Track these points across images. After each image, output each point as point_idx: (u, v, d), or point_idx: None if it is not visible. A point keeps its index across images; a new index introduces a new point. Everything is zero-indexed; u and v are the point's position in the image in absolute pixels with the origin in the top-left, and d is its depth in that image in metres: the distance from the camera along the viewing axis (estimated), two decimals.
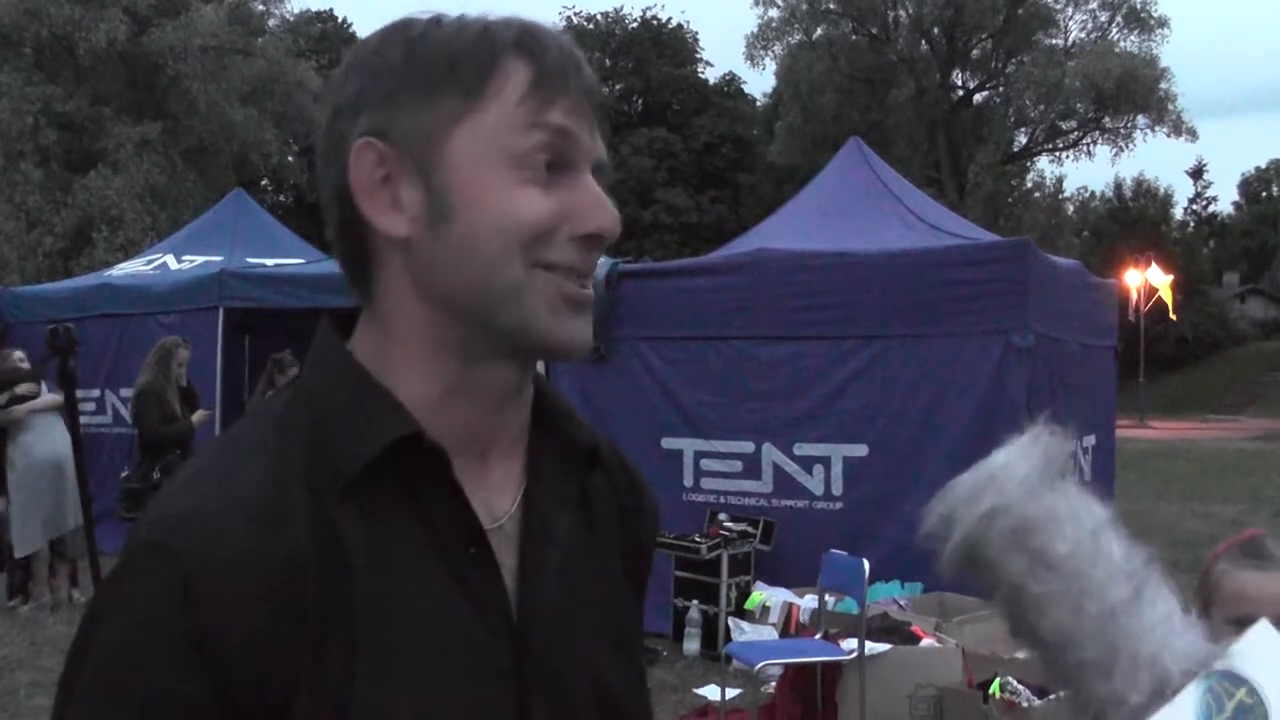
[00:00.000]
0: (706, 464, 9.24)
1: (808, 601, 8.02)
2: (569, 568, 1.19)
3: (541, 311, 1.09)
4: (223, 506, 1.04)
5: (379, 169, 1.09)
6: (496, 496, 1.16)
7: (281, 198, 51.81)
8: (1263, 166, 79.87)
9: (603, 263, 10.45)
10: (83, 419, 7.99)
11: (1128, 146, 50.19)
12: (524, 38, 1.11)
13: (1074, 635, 1.55)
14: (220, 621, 1.00)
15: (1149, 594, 1.57)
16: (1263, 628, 1.56)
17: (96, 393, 12.58)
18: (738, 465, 9.13)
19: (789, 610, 8.24)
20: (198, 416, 10.12)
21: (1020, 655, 7.04)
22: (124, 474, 9.96)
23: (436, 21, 1.12)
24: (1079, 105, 48.62)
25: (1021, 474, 1.62)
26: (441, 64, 1.09)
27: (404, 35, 1.12)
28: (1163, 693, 1.50)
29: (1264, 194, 79.28)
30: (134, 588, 1.03)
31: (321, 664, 1.02)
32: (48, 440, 9.75)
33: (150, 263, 14.58)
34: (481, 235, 1.08)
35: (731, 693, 7.21)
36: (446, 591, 1.09)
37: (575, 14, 61.14)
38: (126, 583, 1.04)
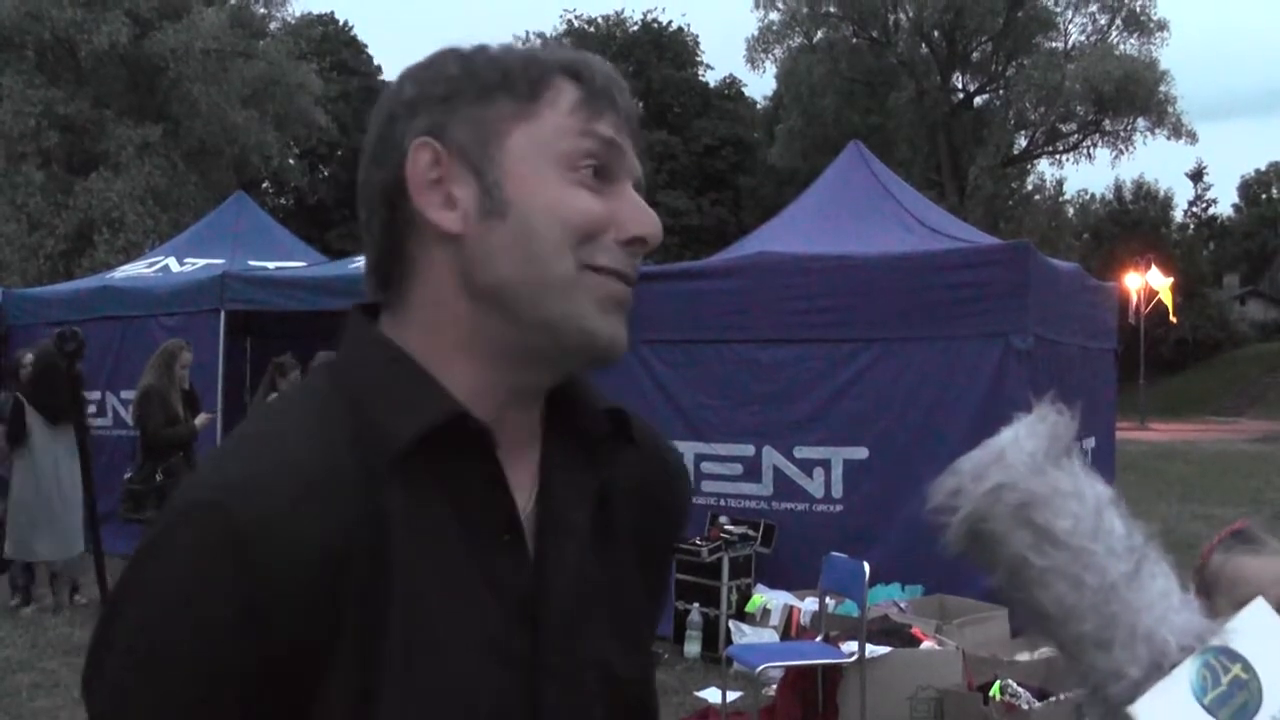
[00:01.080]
0: (707, 467, 9.25)
1: (808, 604, 8.02)
2: (582, 558, 1.21)
3: (590, 308, 1.13)
4: (275, 474, 1.05)
5: (434, 169, 1.13)
6: (516, 489, 1.17)
7: (283, 200, 51.86)
8: (1262, 169, 79.81)
9: None
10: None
11: (1128, 149, 50.23)
12: (572, 62, 1.17)
13: (1075, 608, 1.59)
14: (270, 588, 1.01)
15: (1148, 570, 1.61)
16: (1258, 606, 1.60)
17: (98, 395, 12.56)
18: (738, 468, 9.14)
19: (790, 613, 8.25)
20: (201, 419, 10.13)
21: (1020, 658, 7.06)
22: (126, 475, 9.97)
23: (485, 48, 1.18)
24: (1079, 108, 48.62)
25: (1028, 451, 1.68)
26: (496, 74, 1.15)
27: (456, 52, 1.18)
28: (1160, 666, 1.53)
29: (1264, 196, 79.21)
30: (182, 547, 1.03)
31: (358, 637, 1.04)
32: (48, 457, 9.78)
33: (152, 265, 14.61)
34: (536, 229, 1.12)
35: (732, 695, 7.21)
36: (472, 576, 1.12)
37: (576, 16, 61.28)
38: (174, 543, 1.04)
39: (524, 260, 1.12)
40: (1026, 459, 1.67)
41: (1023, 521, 1.63)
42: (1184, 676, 1.51)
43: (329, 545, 1.03)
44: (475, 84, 1.15)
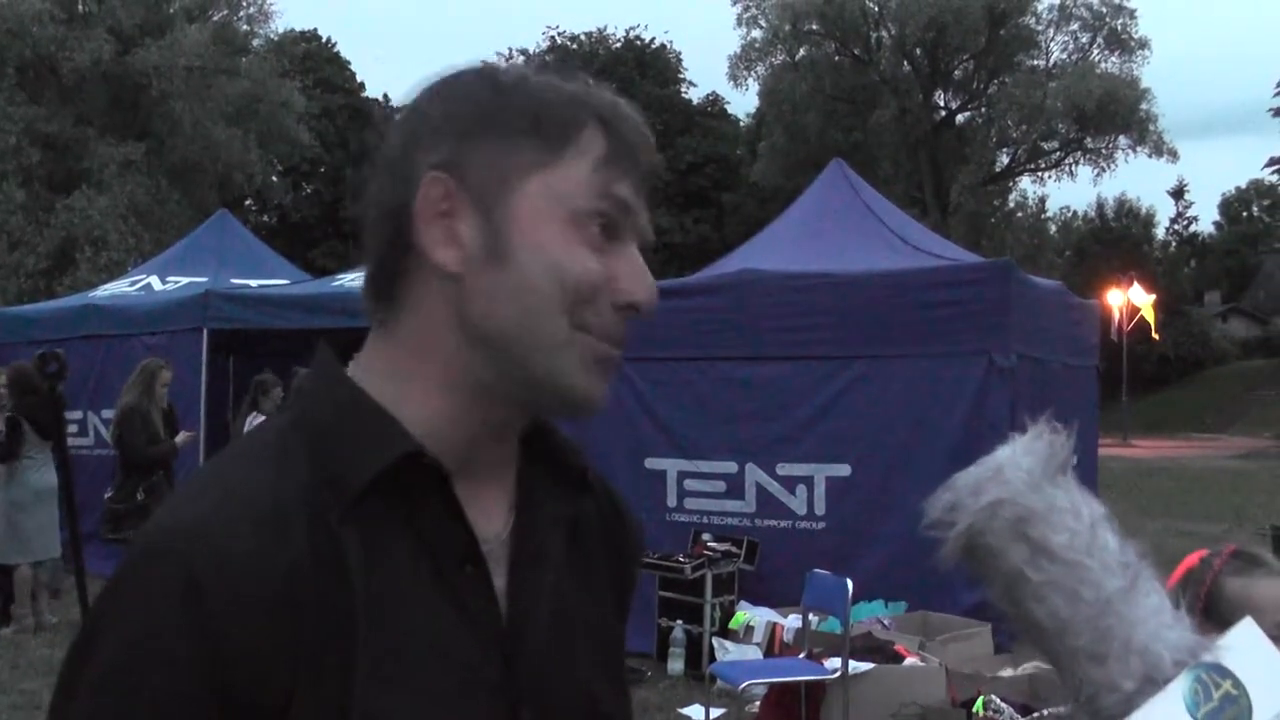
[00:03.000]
0: (690, 484, 9.25)
1: (791, 621, 8.02)
2: (559, 587, 1.21)
3: (575, 366, 1.13)
4: (227, 514, 1.05)
5: (444, 203, 1.12)
6: (486, 519, 1.17)
7: (266, 218, 51.75)
8: (1243, 186, 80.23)
9: None
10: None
11: (1109, 167, 50.51)
12: (608, 112, 1.15)
13: (1070, 622, 1.61)
14: (224, 625, 1.01)
15: (1143, 586, 1.64)
16: (1246, 625, 1.63)
17: (79, 414, 12.53)
18: (721, 485, 9.14)
19: (773, 630, 8.25)
20: (182, 438, 10.12)
21: (1004, 673, 7.07)
22: (107, 495, 9.94)
23: (523, 76, 1.16)
24: (1061, 126, 48.88)
25: (1026, 467, 1.71)
26: (528, 115, 1.13)
27: (493, 76, 1.16)
28: (1154, 680, 1.56)
29: (1244, 214, 79.66)
30: (138, 591, 1.04)
31: (319, 673, 1.04)
32: (44, 471, 9.83)
33: (134, 284, 14.57)
34: (534, 284, 1.11)
35: (716, 712, 7.22)
36: (441, 608, 1.11)
37: (559, 34, 61.26)
38: (131, 586, 1.05)
39: (519, 313, 1.11)
40: (1024, 475, 1.70)
41: (1019, 536, 1.66)
42: (1177, 691, 1.53)
43: (281, 587, 1.03)
44: (504, 121, 1.13)
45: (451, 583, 1.12)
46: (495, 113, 1.13)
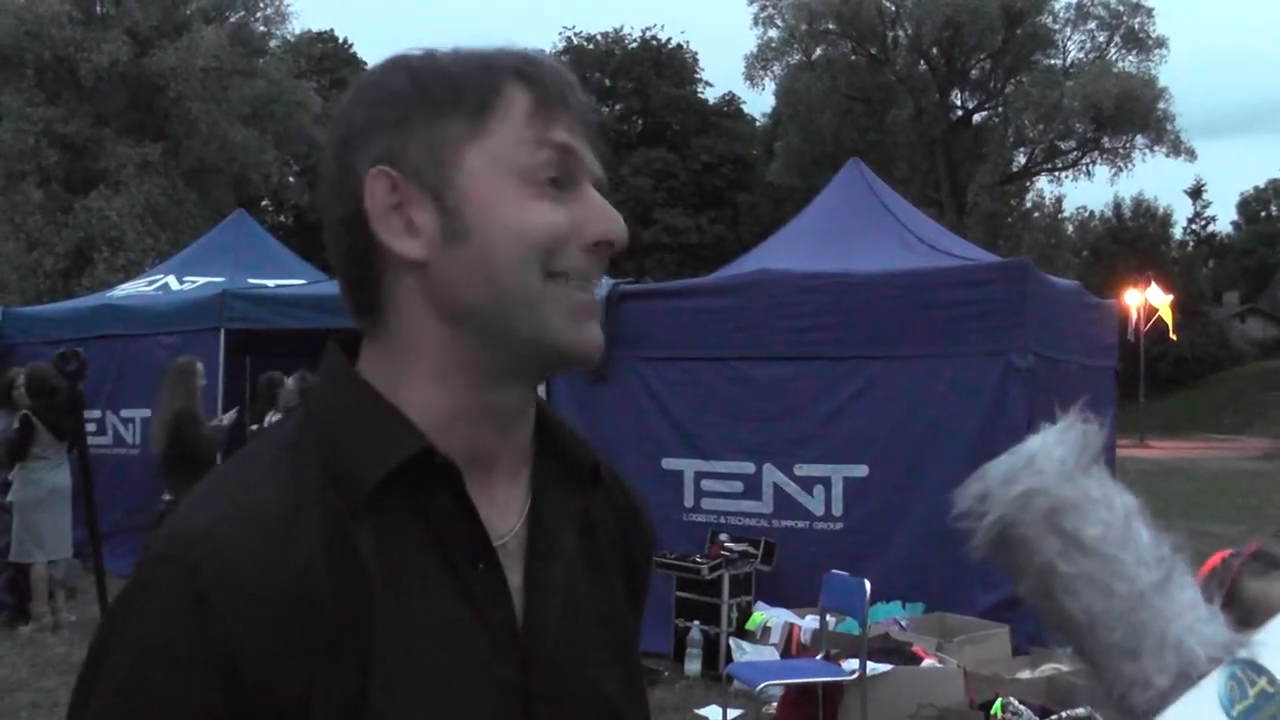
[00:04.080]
0: (707, 484, 9.24)
1: (809, 622, 8.01)
2: (573, 583, 1.21)
3: (558, 319, 1.12)
4: (236, 520, 1.06)
5: (392, 195, 1.12)
6: (501, 514, 1.17)
7: (282, 218, 51.88)
8: (1261, 186, 79.97)
9: (602, 283, 10.48)
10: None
11: (1126, 166, 50.42)
12: (523, 65, 1.15)
13: (1103, 616, 1.60)
14: (235, 632, 1.02)
15: (1177, 580, 1.63)
16: None
17: (97, 413, 12.56)
18: (738, 486, 9.13)
19: (790, 630, 8.24)
20: (229, 417, 10.12)
21: (1022, 675, 7.06)
22: (166, 498, 9.81)
23: (432, 55, 1.16)
24: (1078, 125, 48.78)
25: (1058, 458, 1.69)
26: (446, 89, 1.13)
27: (405, 65, 1.16)
28: (1188, 676, 1.54)
29: (1263, 214, 79.37)
30: (150, 600, 1.05)
31: (334, 676, 1.04)
32: (59, 470, 9.89)
33: (151, 283, 14.62)
34: (499, 248, 1.11)
35: (733, 713, 7.21)
36: (455, 607, 1.12)
37: (575, 34, 61.31)
38: (142, 596, 1.06)
39: (490, 281, 1.11)
40: (1057, 465, 1.68)
41: (1052, 528, 1.64)
42: (1212, 688, 1.52)
43: (293, 589, 1.04)
44: (426, 103, 1.13)
45: (465, 580, 1.13)
46: (416, 98, 1.13)
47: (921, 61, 50.71)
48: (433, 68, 1.15)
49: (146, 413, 12.41)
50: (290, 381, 10.06)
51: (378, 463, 1.09)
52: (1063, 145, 51.23)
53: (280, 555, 1.04)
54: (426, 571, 1.11)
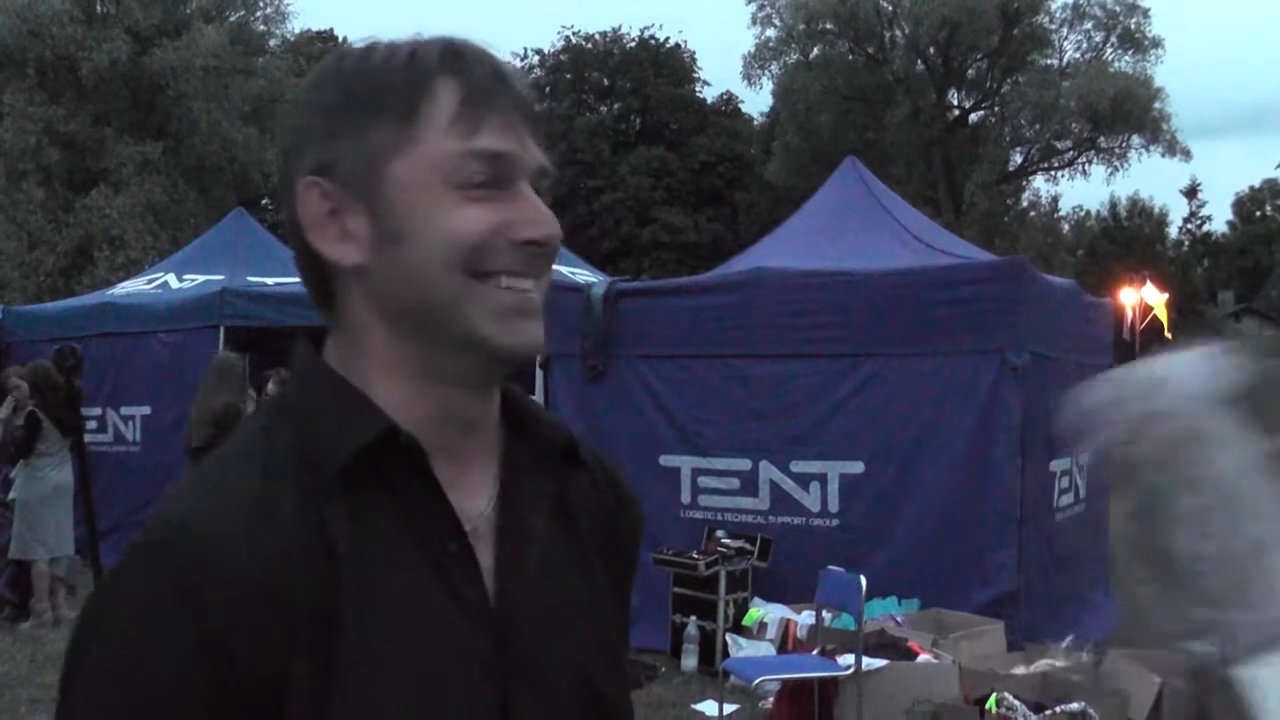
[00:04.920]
0: (704, 481, 9.28)
1: (805, 618, 8.04)
2: (547, 565, 1.22)
3: (484, 320, 1.13)
4: (214, 505, 1.09)
5: (325, 203, 1.15)
6: (470, 498, 1.19)
7: (282, 217, 51.76)
8: (1256, 186, 79.67)
9: (601, 280, 10.49)
10: (85, 437, 8.07)
11: (1123, 166, 50.22)
12: (449, 59, 1.15)
13: (1211, 557, 1.53)
14: (218, 616, 1.04)
15: None
16: None
17: (98, 411, 12.58)
18: (735, 482, 9.17)
19: (786, 626, 8.27)
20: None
21: (1017, 671, 7.09)
22: None
23: (368, 51, 1.17)
24: (1074, 125, 48.69)
25: (1193, 386, 1.63)
26: (372, 96, 1.15)
27: (337, 70, 1.18)
28: None
29: (1258, 214, 79.12)
30: (134, 586, 1.07)
31: (314, 658, 1.06)
32: (62, 468, 9.91)
33: (151, 281, 14.63)
34: (424, 254, 1.13)
35: (729, 708, 7.25)
36: (429, 588, 1.13)
37: (574, 33, 61.14)
38: (126, 582, 1.08)
39: (418, 284, 1.13)
40: (1190, 392, 1.61)
41: (1172, 457, 1.58)
42: None
43: (271, 571, 1.06)
44: (354, 111, 1.15)
45: (437, 560, 1.14)
46: (344, 106, 1.15)
47: (919, 61, 50.62)
48: (363, 70, 1.16)
49: (147, 410, 12.49)
50: (270, 386, 10.00)
51: (345, 443, 1.12)
52: (1059, 145, 51.12)
53: (257, 536, 1.07)
54: (399, 551, 1.13)
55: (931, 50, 49.79)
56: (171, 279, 14.28)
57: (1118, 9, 48.64)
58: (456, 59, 1.15)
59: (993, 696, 6.52)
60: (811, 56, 50.58)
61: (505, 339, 1.14)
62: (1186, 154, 48.74)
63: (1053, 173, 52.78)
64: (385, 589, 1.10)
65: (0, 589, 10.36)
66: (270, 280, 13.37)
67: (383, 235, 1.14)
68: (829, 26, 49.71)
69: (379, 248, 1.14)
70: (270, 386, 10.01)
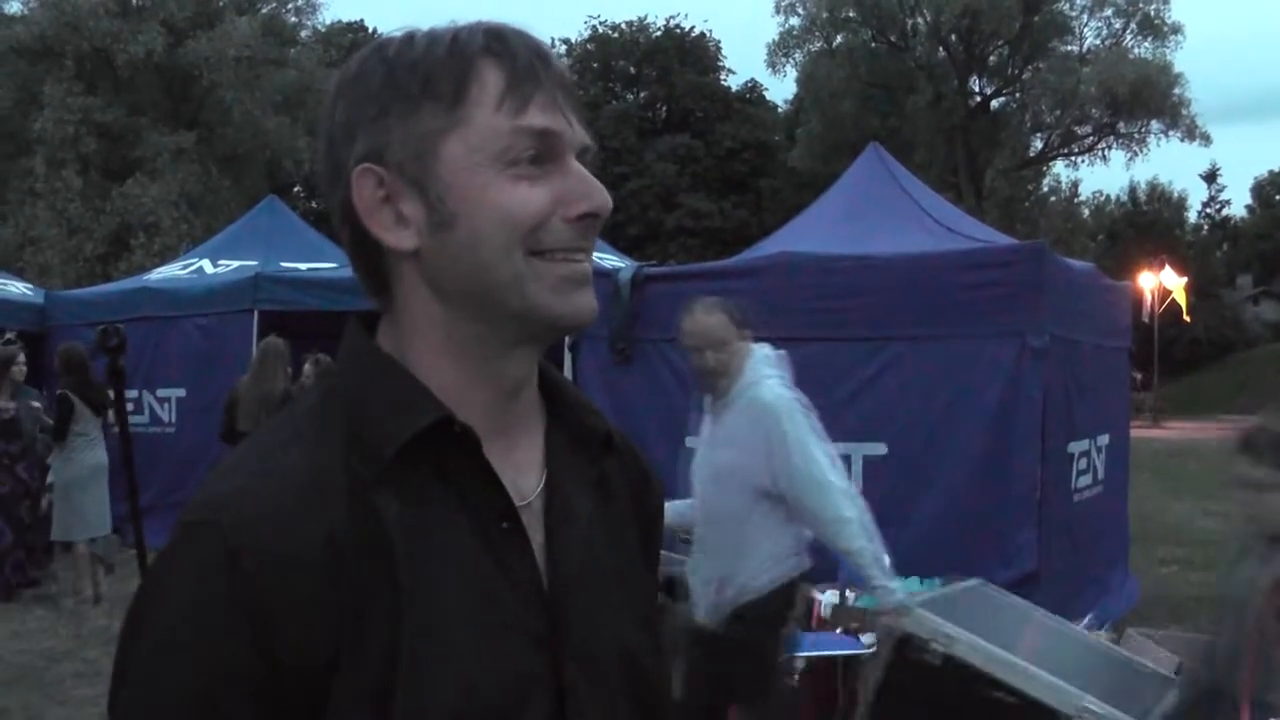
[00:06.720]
0: None
1: (828, 597, 8.11)
2: (590, 543, 1.26)
3: (544, 294, 1.16)
4: (264, 485, 1.10)
5: (379, 191, 1.16)
6: (523, 477, 1.22)
7: (314, 204, 51.85)
8: (1276, 170, 79.16)
9: (627, 266, 10.54)
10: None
11: (1142, 151, 50.26)
12: (491, 41, 1.16)
13: None
14: (266, 592, 1.05)
15: None
16: None
17: (135, 393, 12.63)
18: None
19: (809, 605, 8.34)
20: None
21: None
22: None
23: (410, 39, 1.18)
24: (1094, 111, 48.62)
25: None
26: (419, 81, 1.15)
27: (380, 57, 1.18)
28: None
29: (1277, 198, 78.62)
30: (183, 563, 1.09)
31: (364, 632, 1.08)
32: (97, 448, 10.08)
33: (186, 267, 14.77)
34: (483, 235, 1.14)
35: None
36: (482, 565, 1.15)
37: (600, 22, 61.29)
38: (176, 559, 1.10)
39: (477, 265, 1.15)
40: None
41: None
42: None
43: (320, 551, 1.07)
44: (401, 96, 1.15)
45: (490, 539, 1.16)
46: (391, 91, 1.16)
47: (940, 49, 50.56)
48: (406, 58, 1.16)
49: (182, 392, 12.67)
50: (307, 367, 10.00)
51: (399, 429, 1.13)
52: (1079, 130, 51.04)
53: (307, 518, 1.08)
54: (452, 533, 1.14)
55: (953, 37, 49.74)
56: (206, 264, 14.40)
57: None
58: (499, 41, 1.16)
59: None
60: (835, 45, 50.63)
61: (565, 309, 1.17)
62: (1206, 139, 48.69)
63: (1073, 158, 52.73)
64: (439, 566, 1.12)
65: (8, 573, 10.52)
66: (303, 265, 13.52)
67: (438, 219, 1.15)
68: (852, 15, 49.73)
69: (434, 232, 1.15)
70: (307, 368, 10.02)
